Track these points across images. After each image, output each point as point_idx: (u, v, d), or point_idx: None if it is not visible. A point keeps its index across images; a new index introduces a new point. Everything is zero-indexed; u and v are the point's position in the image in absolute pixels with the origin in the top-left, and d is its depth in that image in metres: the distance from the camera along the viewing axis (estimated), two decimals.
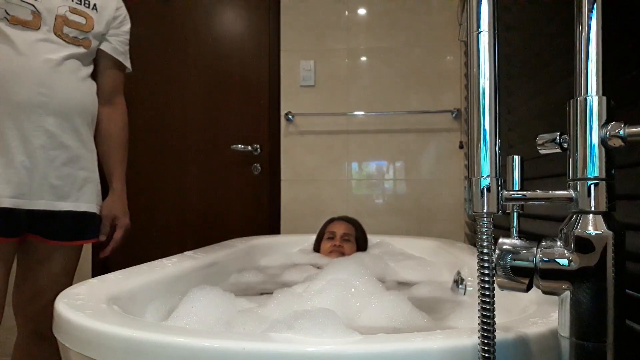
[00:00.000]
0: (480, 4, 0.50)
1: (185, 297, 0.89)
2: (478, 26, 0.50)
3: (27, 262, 1.20)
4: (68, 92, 1.16)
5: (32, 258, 1.20)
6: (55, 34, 1.15)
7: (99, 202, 1.30)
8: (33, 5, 1.12)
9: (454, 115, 2.22)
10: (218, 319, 0.84)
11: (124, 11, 1.34)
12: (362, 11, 2.34)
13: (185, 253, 1.35)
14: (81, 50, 1.21)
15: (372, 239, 1.87)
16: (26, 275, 1.20)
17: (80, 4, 1.21)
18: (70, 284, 1.23)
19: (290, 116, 2.31)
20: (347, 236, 1.74)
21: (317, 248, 1.80)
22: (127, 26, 1.35)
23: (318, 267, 1.47)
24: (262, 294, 1.17)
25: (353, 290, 1.01)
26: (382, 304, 0.95)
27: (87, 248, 2.49)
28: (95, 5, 1.25)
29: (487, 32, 0.50)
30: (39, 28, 1.13)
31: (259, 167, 2.35)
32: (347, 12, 2.34)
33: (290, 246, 1.91)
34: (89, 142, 1.26)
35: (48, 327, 1.15)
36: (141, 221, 2.42)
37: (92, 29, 1.23)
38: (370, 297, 0.98)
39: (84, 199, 1.23)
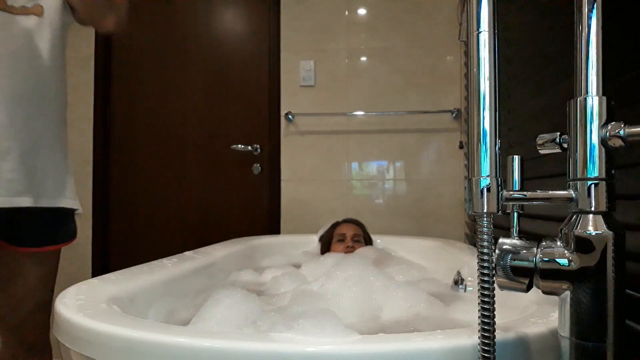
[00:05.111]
0: (480, 4, 0.50)
1: (210, 298, 0.88)
2: (478, 26, 0.50)
3: (1, 274, 1.11)
4: (23, 77, 1.02)
5: (5, 269, 1.10)
6: None
7: (71, 195, 1.15)
8: None
9: (454, 115, 2.21)
10: (245, 319, 0.83)
11: None
12: (362, 11, 2.34)
13: (185, 253, 1.35)
14: (33, 19, 1.02)
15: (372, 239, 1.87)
16: (2, 287, 1.11)
17: None
18: (51, 293, 1.16)
19: (290, 116, 2.31)
20: (357, 237, 1.76)
21: (325, 252, 1.79)
22: None
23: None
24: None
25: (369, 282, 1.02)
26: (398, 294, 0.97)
27: (87, 248, 2.50)
28: None
29: (487, 32, 0.50)
30: None
31: (259, 167, 2.35)
32: (347, 12, 2.34)
33: (291, 246, 1.91)
34: (51, 130, 1.10)
35: (35, 339, 1.08)
36: (141, 221, 2.43)
37: None
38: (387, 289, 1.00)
39: (47, 194, 1.09)
